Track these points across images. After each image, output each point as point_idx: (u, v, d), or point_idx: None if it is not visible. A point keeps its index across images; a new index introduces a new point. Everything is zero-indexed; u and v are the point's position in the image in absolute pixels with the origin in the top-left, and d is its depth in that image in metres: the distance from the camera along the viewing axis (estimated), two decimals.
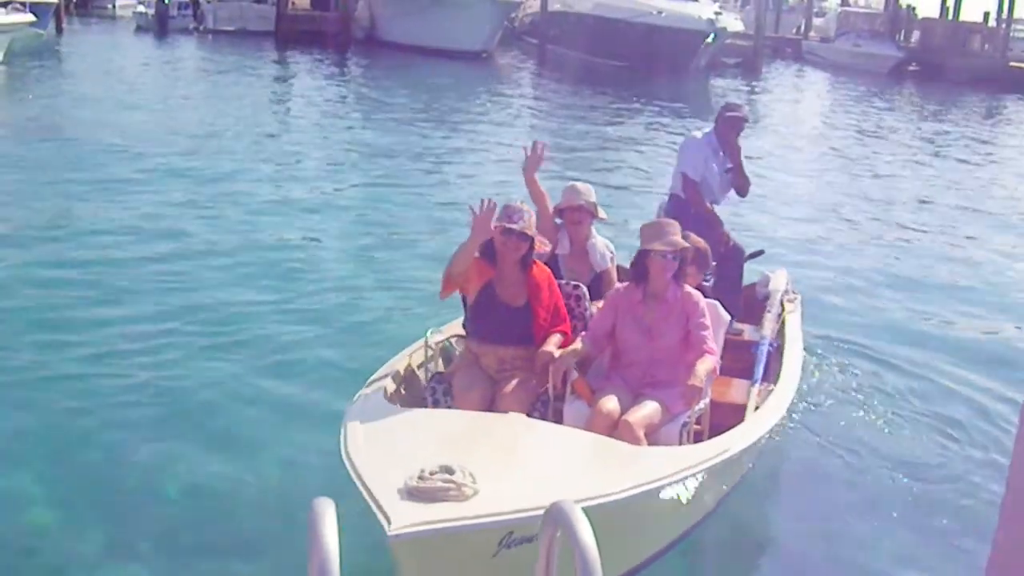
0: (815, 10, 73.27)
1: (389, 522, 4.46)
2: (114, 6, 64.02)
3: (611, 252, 7.80)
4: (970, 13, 67.33)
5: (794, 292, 9.04)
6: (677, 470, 5.40)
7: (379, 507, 4.65)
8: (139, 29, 51.41)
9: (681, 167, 9.04)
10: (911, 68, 57.65)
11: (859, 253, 14.57)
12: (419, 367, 7.02)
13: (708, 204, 8.97)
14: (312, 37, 44.07)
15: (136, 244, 12.17)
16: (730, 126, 9.03)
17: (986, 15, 66.09)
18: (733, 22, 45.46)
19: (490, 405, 6.30)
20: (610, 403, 6.15)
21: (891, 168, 24.18)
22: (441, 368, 7.01)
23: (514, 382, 6.38)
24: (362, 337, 9.57)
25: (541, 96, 34.80)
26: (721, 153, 9.04)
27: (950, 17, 64.51)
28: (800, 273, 11.03)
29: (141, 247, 12.03)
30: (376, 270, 11.81)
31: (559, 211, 7.66)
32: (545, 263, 6.90)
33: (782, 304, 8.60)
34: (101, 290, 10.43)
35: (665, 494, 5.40)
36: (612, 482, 5.09)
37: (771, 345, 7.74)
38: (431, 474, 4.79)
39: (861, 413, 8.61)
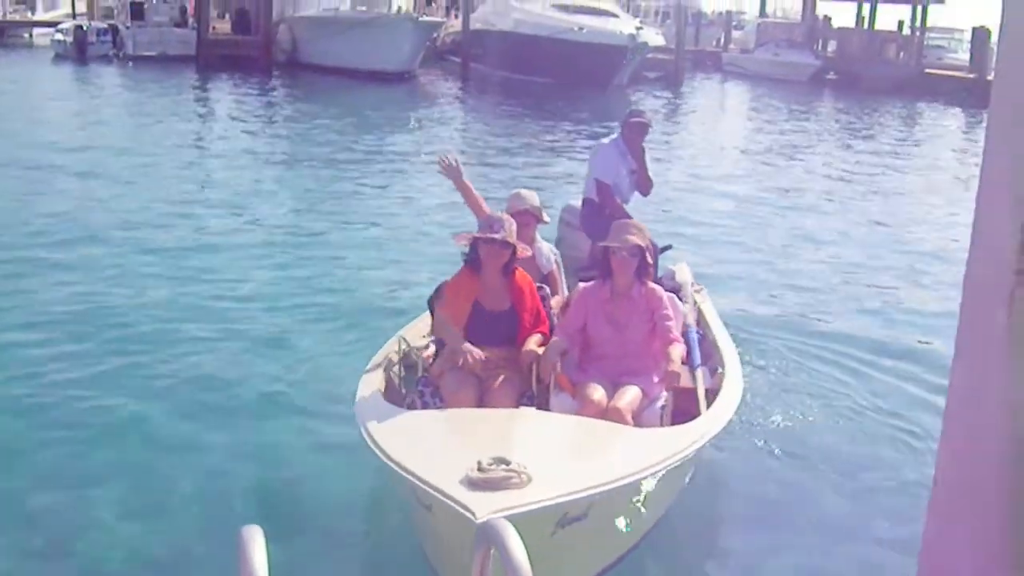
0: (734, 23, 74.07)
1: (472, 512, 4.85)
2: (31, 35, 63.32)
3: (555, 254, 8.28)
4: (885, 22, 68.38)
5: (698, 284, 9.40)
6: (690, 443, 6.08)
7: (453, 500, 5.02)
8: (57, 57, 50.67)
9: (595, 173, 9.66)
10: (830, 77, 58.40)
11: (764, 249, 15.10)
12: (396, 370, 7.42)
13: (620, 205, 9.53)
14: (234, 61, 43.85)
15: (46, 273, 12.05)
16: (636, 131, 9.65)
17: (900, 24, 67.19)
18: (654, 37, 45.82)
19: (479, 403, 6.63)
20: (597, 393, 6.61)
21: (807, 170, 24.78)
22: (419, 369, 7.36)
23: (500, 379, 6.72)
24: (286, 362, 9.53)
25: (465, 114, 34.97)
26: (628, 156, 9.69)
27: (866, 26, 65.57)
28: (706, 268, 11.42)
29: (52, 276, 11.93)
30: (302, 293, 11.79)
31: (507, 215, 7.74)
32: None
33: (692, 295, 8.98)
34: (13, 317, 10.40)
35: (679, 470, 6.07)
36: (640, 461, 5.67)
37: (697, 332, 8.07)
38: (488, 465, 5.20)
39: (781, 397, 8.97)
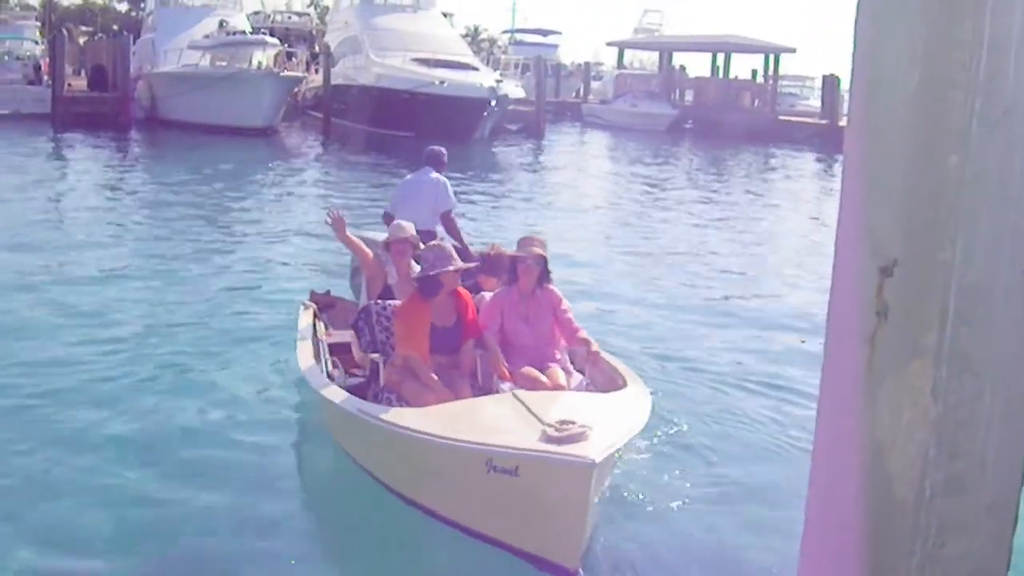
0: (593, 74, 75.19)
1: (584, 457, 6.14)
2: None
3: None
4: (739, 71, 70.27)
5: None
6: (647, 398, 7.79)
7: (549, 456, 6.24)
8: None
9: (442, 205, 11.36)
10: (688, 126, 59.66)
11: (614, 278, 15.42)
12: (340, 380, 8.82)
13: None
14: (91, 119, 42.82)
15: None
16: (440, 160, 11.74)
17: (754, 72, 69.13)
18: (514, 89, 46.19)
19: (439, 402, 7.67)
20: (540, 377, 8.12)
21: (664, 210, 25.51)
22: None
23: (455, 379, 8.07)
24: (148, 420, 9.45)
25: (326, 169, 34.86)
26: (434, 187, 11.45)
27: (721, 75, 67.24)
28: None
29: None
30: (157, 352, 11.56)
31: (386, 244, 9.41)
32: (380, 291, 9.21)
33: None
34: None
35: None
36: (635, 413, 7.31)
37: None
38: (562, 426, 6.39)
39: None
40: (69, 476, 8.08)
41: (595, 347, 8.32)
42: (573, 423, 6.39)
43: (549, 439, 6.32)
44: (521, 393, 7.44)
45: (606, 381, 8.34)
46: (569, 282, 13.96)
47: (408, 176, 12.05)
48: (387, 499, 7.61)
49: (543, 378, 8.07)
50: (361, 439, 8.05)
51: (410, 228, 9.42)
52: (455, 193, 11.80)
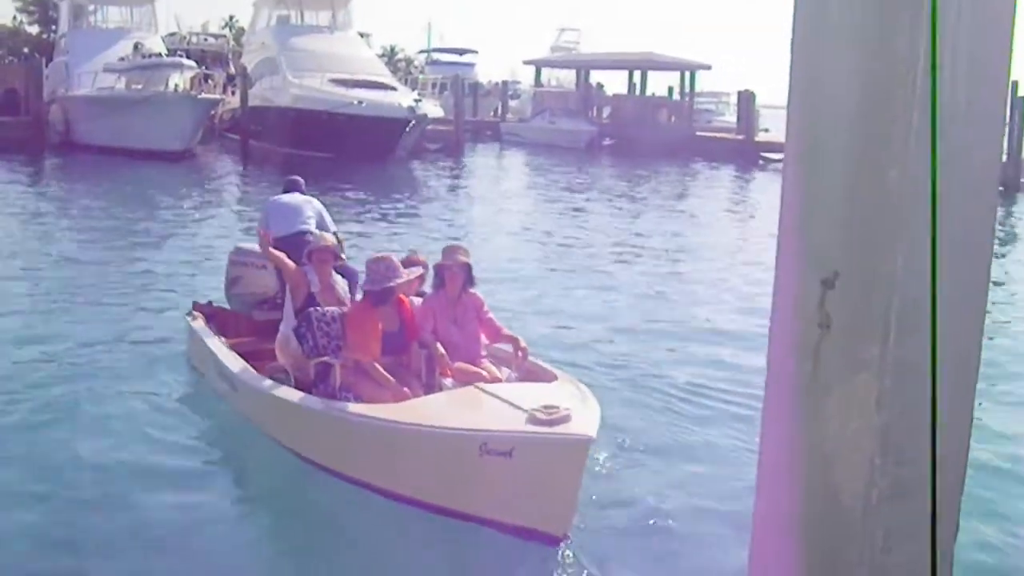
0: (510, 92, 75.39)
1: (588, 435, 7.17)
2: None
3: (346, 290, 10.17)
4: (656, 87, 70.92)
5: None
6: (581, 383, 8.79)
7: (545, 436, 7.10)
8: None
9: (329, 224, 11.96)
10: (606, 142, 60.02)
11: (532, 294, 15.45)
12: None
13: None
14: (2, 143, 41.97)
15: None
16: (300, 187, 12.54)
17: (670, 89, 69.81)
18: (433, 108, 46.13)
19: (393, 399, 8.38)
20: (482, 371, 8.92)
21: (581, 226, 25.62)
22: None
23: (404, 376, 8.85)
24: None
25: (244, 191, 34.54)
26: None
27: (638, 92, 67.79)
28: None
29: None
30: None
31: (308, 254, 9.96)
32: (304, 299, 9.69)
33: None
34: None
35: None
36: (583, 396, 8.24)
37: None
38: (546, 408, 7.29)
39: None
40: None
41: (523, 343, 9.20)
42: (557, 407, 7.29)
43: (540, 422, 7.20)
44: (483, 386, 8.30)
45: (537, 374, 9.10)
46: (487, 295, 14.04)
47: (273, 198, 12.52)
48: (347, 491, 8.11)
49: (484, 372, 8.90)
50: (325, 436, 8.54)
51: (330, 239, 10.32)
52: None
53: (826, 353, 1.66)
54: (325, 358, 9.15)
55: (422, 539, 7.60)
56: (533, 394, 7.88)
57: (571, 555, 7.19)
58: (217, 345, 10.62)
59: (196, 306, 12.14)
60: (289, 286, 10.01)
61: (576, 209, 30.72)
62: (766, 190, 40.18)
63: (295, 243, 11.02)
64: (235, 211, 28.51)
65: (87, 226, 24.03)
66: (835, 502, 1.67)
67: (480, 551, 7.42)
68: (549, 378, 8.94)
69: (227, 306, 12.33)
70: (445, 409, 7.94)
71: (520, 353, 9.13)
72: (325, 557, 7.45)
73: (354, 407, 8.26)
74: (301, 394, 8.74)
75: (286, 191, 12.44)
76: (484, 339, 9.55)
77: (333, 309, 9.46)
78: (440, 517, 7.59)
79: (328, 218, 12.17)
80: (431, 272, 9.70)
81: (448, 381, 8.87)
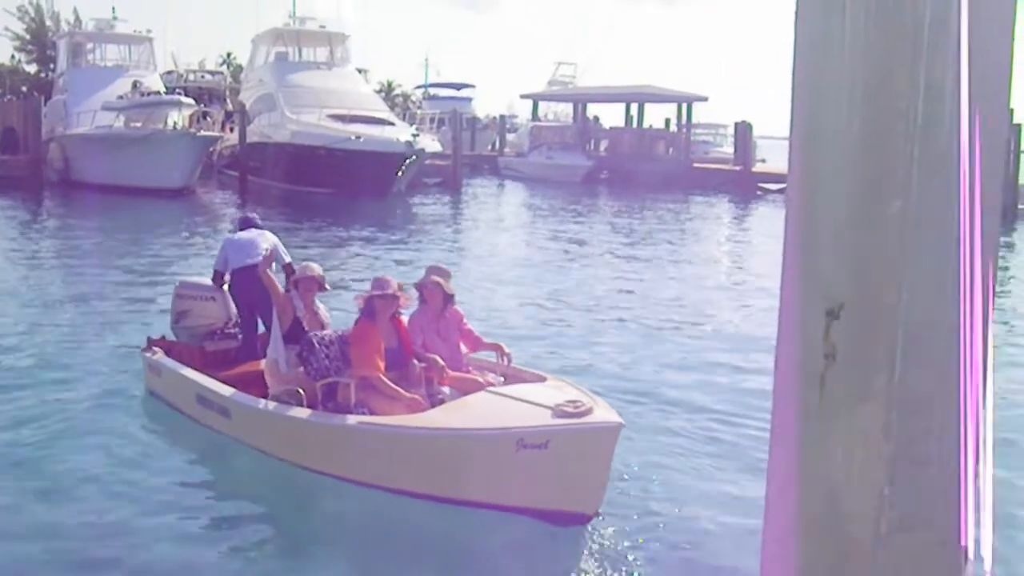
0: (508, 126, 75.58)
1: (618, 421, 8.13)
2: None
3: (328, 316, 11.02)
4: (653, 120, 71.17)
5: None
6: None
7: (579, 426, 7.97)
8: None
9: (283, 257, 12.37)
10: (603, 176, 60.15)
11: (533, 326, 15.45)
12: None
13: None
14: (1, 182, 42.16)
15: None
16: (255, 223, 12.97)
17: (667, 121, 70.06)
18: (431, 143, 46.15)
19: (406, 411, 9.03)
20: (479, 377, 9.90)
21: (580, 259, 25.67)
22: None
23: (408, 388, 9.41)
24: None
25: None
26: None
27: (635, 125, 68.01)
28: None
29: None
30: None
31: (295, 282, 10.86)
32: (291, 324, 10.44)
33: None
34: None
35: None
36: (584, 393, 8.84)
37: None
38: (571, 403, 8.18)
39: None
40: None
41: (507, 349, 10.35)
42: (580, 401, 8.23)
43: (568, 415, 8.05)
44: (495, 390, 9.16)
45: (525, 377, 9.92)
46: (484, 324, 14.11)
47: (230, 236, 13.06)
48: (380, 500, 8.81)
49: (479, 379, 9.84)
50: (357, 451, 9.16)
51: (318, 268, 11.01)
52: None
53: (832, 383, 1.67)
54: (330, 379, 9.74)
55: (459, 535, 8.36)
56: (544, 393, 8.77)
57: (602, 529, 8.26)
58: (197, 375, 11.06)
59: (151, 341, 12.37)
60: (277, 310, 10.58)
61: (572, 243, 30.76)
62: (764, 220, 40.28)
63: (250, 276, 11.69)
64: None
65: (82, 263, 24.11)
66: (844, 532, 1.67)
67: (514, 539, 8.23)
68: (538, 379, 9.69)
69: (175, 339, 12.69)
70: (471, 413, 8.64)
71: (506, 358, 10.24)
72: (373, 565, 8.15)
73: (387, 420, 8.93)
74: (329, 414, 9.37)
75: (241, 228, 12.91)
76: (464, 349, 10.48)
77: (330, 332, 10.25)
78: (478, 511, 8.36)
79: (283, 249, 12.56)
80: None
81: (446, 389, 9.70)
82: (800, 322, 1.72)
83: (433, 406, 9.23)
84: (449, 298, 10.39)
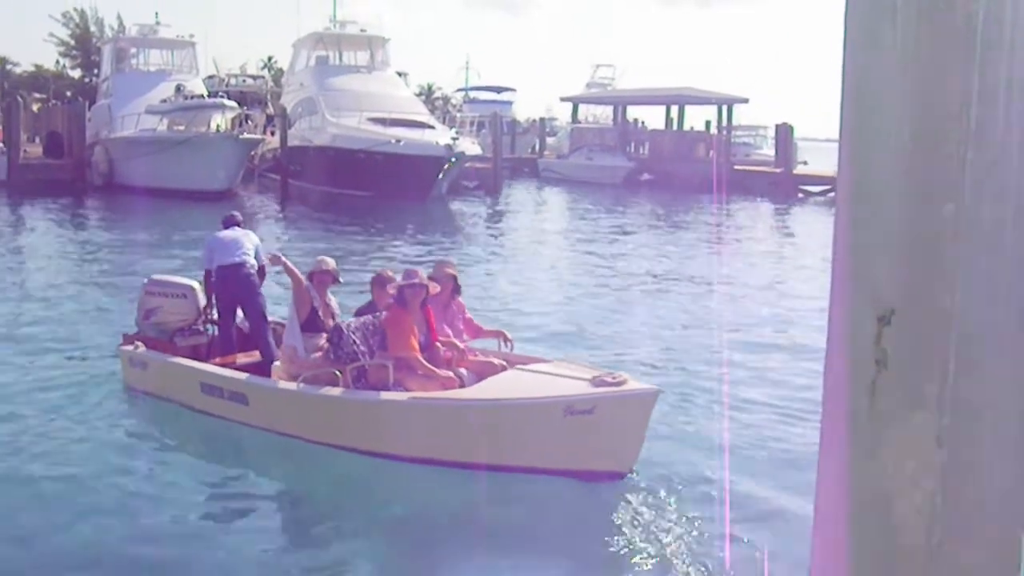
0: (548, 129, 75.56)
1: (655, 391, 9.23)
2: None
3: (338, 308, 11.80)
4: (693, 121, 70.96)
5: None
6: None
7: (622, 392, 8.99)
8: None
9: (261, 257, 12.90)
10: (644, 178, 60.03)
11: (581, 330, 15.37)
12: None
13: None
14: (47, 186, 42.44)
15: None
16: (237, 221, 13.48)
17: (708, 123, 69.84)
18: (470, 146, 46.20)
19: (445, 385, 9.96)
20: (495, 360, 10.79)
21: (624, 261, 25.58)
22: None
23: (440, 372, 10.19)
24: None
25: (286, 230, 34.83)
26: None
27: (675, 127, 67.84)
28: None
29: None
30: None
31: (311, 275, 11.51)
32: (308, 314, 11.14)
33: None
34: None
35: None
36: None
37: None
38: (608, 374, 9.28)
39: None
40: None
41: (509, 335, 11.32)
42: (617, 373, 9.31)
43: (608, 384, 9.09)
44: (525, 367, 10.18)
45: (528, 360, 10.70)
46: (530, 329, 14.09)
47: (215, 234, 13.26)
48: (417, 473, 9.53)
49: (495, 361, 10.70)
50: (402, 427, 9.80)
51: (333, 263, 11.79)
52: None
53: (883, 390, 1.64)
54: (361, 362, 10.32)
55: (505, 501, 9.01)
56: (568, 369, 9.93)
57: (637, 482, 9.28)
58: (203, 365, 11.75)
59: (127, 337, 12.86)
60: (295, 302, 11.25)
61: (615, 244, 30.71)
62: (807, 223, 40.07)
63: (235, 273, 12.59)
64: (274, 247, 28.66)
65: (125, 262, 24.26)
66: (895, 543, 1.64)
67: (556, 498, 9.06)
68: (544, 361, 10.60)
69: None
70: (513, 387, 9.53)
71: (509, 344, 11.18)
72: (431, 538, 8.57)
73: (441, 395, 9.74)
74: (383, 393, 9.91)
75: (226, 226, 13.33)
76: (466, 337, 11.29)
77: (364, 319, 10.89)
78: (522, 476, 9.18)
79: (262, 251, 13.13)
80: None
81: (463, 371, 10.50)
82: (850, 328, 1.69)
83: (461, 386, 10.10)
84: (457, 290, 11.41)
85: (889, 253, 1.63)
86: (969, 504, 1.62)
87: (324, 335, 11.07)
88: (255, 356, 12.53)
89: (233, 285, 12.61)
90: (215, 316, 13.03)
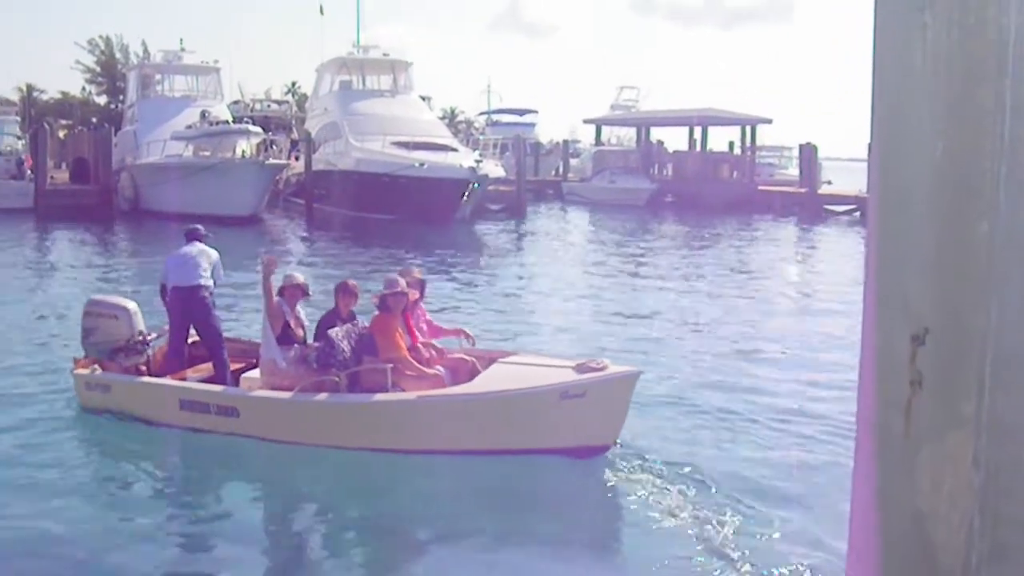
0: (571, 151, 75.45)
1: (637, 371, 10.58)
2: None
3: (306, 320, 12.14)
4: (716, 143, 70.84)
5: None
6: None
7: (611, 375, 10.20)
8: None
9: (220, 275, 13.18)
10: (668, 199, 59.93)
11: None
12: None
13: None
14: (74, 211, 42.56)
15: None
16: (199, 235, 13.37)
17: (731, 144, 69.70)
18: (494, 169, 46.09)
19: (433, 384, 10.78)
20: (465, 362, 11.58)
21: (649, 280, 25.53)
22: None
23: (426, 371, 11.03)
24: None
25: (311, 254, 34.84)
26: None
27: (699, 148, 67.71)
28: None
29: None
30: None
31: (282, 290, 11.95)
32: (282, 328, 11.59)
33: None
34: None
35: None
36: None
37: None
38: (592, 361, 10.51)
39: None
40: None
41: (470, 332, 12.44)
42: (599, 359, 10.60)
43: (593, 369, 10.26)
44: (507, 360, 11.24)
45: (493, 355, 11.61)
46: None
47: (175, 251, 13.29)
48: (417, 463, 10.44)
49: (465, 358, 11.66)
50: (412, 424, 10.58)
51: (301, 276, 12.39)
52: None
53: (918, 410, 1.62)
54: (352, 368, 10.87)
55: (508, 478, 10.06)
56: (544, 360, 11.31)
57: (621, 451, 10.55)
58: (181, 383, 12.01)
59: (79, 361, 12.88)
60: (269, 317, 11.54)
61: (641, 267, 30.65)
62: (833, 242, 39.92)
63: (189, 295, 12.72)
64: (303, 274, 28.71)
65: (147, 292, 24.29)
66: (932, 564, 1.62)
67: (551, 471, 10.10)
68: (508, 354, 11.71)
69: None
70: (508, 379, 10.51)
71: (471, 340, 12.20)
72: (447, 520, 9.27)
73: (447, 392, 10.60)
74: (392, 394, 10.60)
75: (188, 240, 13.31)
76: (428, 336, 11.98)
77: (346, 327, 11.38)
78: (519, 456, 10.21)
79: (220, 269, 13.21)
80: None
81: (440, 368, 11.27)
82: (884, 348, 1.67)
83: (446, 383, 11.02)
84: (422, 296, 12.20)
85: (922, 271, 1.61)
86: (1008, 524, 1.59)
87: (296, 346, 11.64)
88: (203, 371, 12.75)
89: (186, 305, 12.78)
90: (151, 336, 13.10)
